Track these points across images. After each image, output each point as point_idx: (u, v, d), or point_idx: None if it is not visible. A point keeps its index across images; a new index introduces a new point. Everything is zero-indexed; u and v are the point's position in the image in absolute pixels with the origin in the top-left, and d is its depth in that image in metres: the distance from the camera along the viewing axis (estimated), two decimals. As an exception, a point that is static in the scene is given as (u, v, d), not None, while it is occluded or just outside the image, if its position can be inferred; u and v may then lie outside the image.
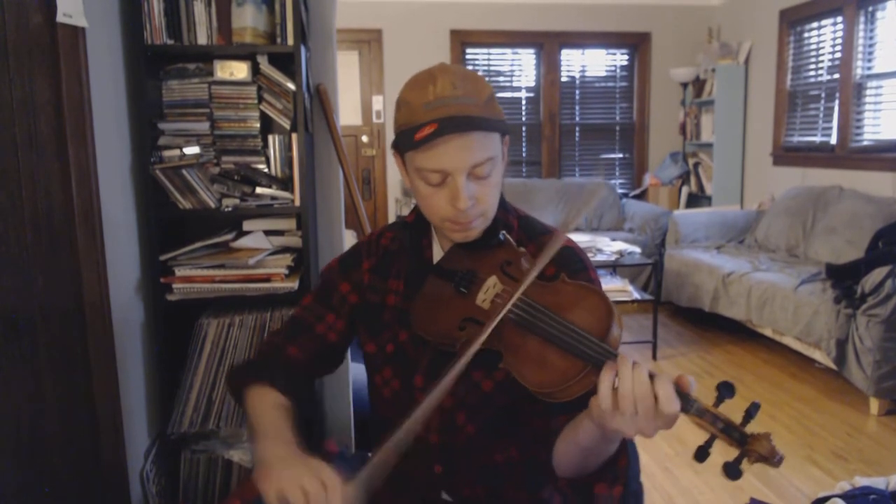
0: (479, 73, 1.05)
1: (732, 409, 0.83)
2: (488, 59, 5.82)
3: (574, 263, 1.08)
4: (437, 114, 0.95)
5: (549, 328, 0.90)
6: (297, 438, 0.99)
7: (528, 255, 1.04)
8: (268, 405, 1.06)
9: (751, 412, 0.81)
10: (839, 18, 4.27)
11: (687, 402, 0.81)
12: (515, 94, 5.88)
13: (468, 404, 1.06)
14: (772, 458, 0.79)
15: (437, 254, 1.13)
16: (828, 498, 1.93)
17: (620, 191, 5.88)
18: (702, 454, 0.82)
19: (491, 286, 1.00)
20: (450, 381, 0.88)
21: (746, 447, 0.80)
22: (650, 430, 0.82)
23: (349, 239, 2.97)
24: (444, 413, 1.07)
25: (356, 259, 1.18)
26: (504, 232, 1.06)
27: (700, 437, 0.84)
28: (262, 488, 0.87)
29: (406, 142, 0.97)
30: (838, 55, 4.28)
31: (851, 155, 4.18)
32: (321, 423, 2.24)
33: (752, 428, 0.81)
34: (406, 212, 1.13)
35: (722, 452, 0.82)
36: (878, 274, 2.93)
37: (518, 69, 5.86)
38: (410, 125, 0.97)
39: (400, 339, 1.10)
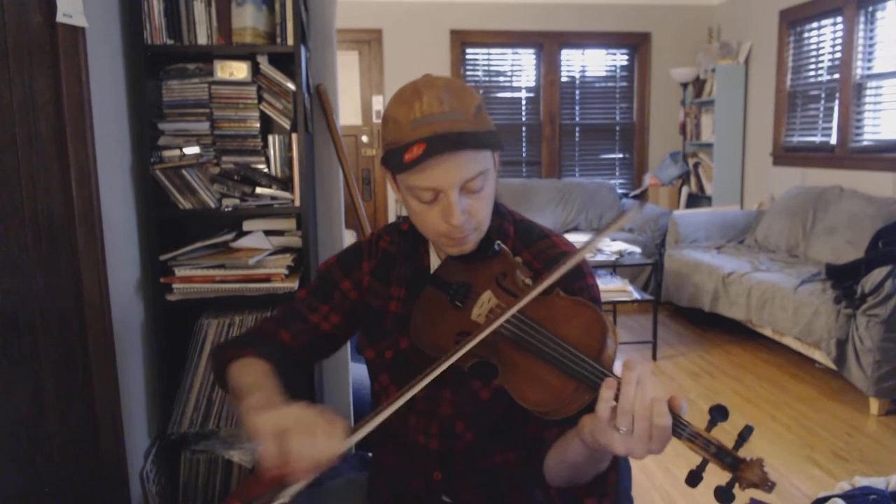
0: (467, 83, 1.04)
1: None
2: (488, 59, 5.81)
3: (572, 269, 1.07)
4: (425, 132, 0.93)
5: (542, 345, 0.89)
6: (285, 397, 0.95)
7: (524, 265, 1.03)
8: (254, 370, 1.03)
9: (744, 435, 0.80)
10: (839, 18, 4.27)
11: (679, 425, 0.81)
12: (515, 94, 5.87)
13: (467, 413, 1.06)
14: (763, 485, 0.78)
15: (435, 262, 1.12)
16: (828, 498, 1.93)
17: (620, 191, 5.88)
18: (694, 479, 0.81)
19: (486, 301, 1.00)
20: (427, 380, 0.88)
21: (738, 473, 0.79)
22: (641, 452, 0.81)
23: (349, 239, 2.97)
24: (444, 421, 1.07)
25: (356, 258, 1.18)
26: (499, 242, 1.04)
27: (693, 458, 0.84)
28: (255, 430, 0.84)
29: (395, 163, 0.95)
30: (838, 55, 4.28)
31: (851, 155, 4.18)
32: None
33: (745, 452, 0.81)
34: (406, 212, 1.11)
35: (715, 475, 0.82)
36: (878, 274, 2.93)
37: (518, 69, 5.86)
38: (398, 144, 0.96)
39: (401, 347, 1.09)
